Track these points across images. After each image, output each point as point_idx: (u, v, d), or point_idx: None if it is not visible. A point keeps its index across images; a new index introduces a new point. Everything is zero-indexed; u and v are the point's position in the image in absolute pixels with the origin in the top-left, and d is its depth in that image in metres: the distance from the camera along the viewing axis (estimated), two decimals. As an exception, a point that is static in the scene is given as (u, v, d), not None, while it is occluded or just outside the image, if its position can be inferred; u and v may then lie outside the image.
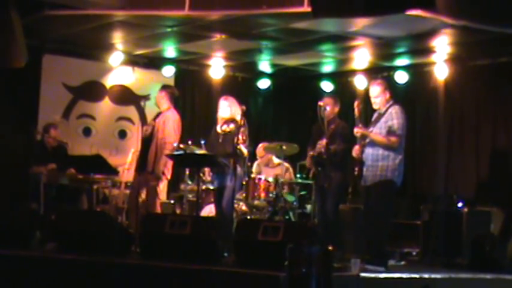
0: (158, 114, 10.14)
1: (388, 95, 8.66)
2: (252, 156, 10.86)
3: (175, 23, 10.54)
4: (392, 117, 8.47)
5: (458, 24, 9.63)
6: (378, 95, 8.65)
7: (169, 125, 9.87)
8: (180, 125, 9.96)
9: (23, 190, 11.01)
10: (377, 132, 8.51)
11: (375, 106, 8.70)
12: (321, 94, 11.99)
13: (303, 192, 11.03)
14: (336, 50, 11.85)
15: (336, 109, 9.52)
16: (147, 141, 9.91)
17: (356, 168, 8.57)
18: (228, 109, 9.59)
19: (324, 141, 9.12)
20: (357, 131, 8.58)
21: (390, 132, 8.41)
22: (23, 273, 7.81)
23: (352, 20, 9.97)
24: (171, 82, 12.80)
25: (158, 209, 10.20)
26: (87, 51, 12.31)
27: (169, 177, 10.02)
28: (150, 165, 9.81)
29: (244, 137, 9.29)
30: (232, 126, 9.42)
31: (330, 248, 3.54)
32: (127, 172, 10.93)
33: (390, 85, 9.16)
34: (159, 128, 9.88)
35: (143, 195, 10.07)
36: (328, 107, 9.34)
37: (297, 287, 3.60)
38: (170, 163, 9.90)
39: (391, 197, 8.57)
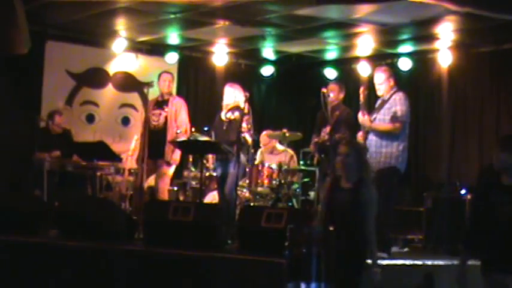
0: (159, 102, 10.23)
1: (392, 82, 8.65)
2: (256, 144, 10.86)
3: (179, 9, 10.51)
4: (396, 103, 8.46)
5: (462, 11, 9.60)
6: (382, 81, 8.64)
7: (183, 114, 10.19)
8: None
9: (26, 177, 11.02)
10: (380, 118, 8.50)
11: (378, 93, 8.69)
12: (324, 81, 11.98)
13: (306, 179, 11.03)
14: (339, 37, 11.82)
15: (341, 95, 9.52)
16: (159, 130, 10.04)
17: (359, 155, 8.56)
18: (232, 96, 9.61)
19: (328, 129, 9.12)
20: (360, 117, 8.58)
21: (394, 118, 8.41)
22: (26, 259, 7.83)
23: (355, 7, 9.94)
24: (175, 69, 12.79)
25: (166, 196, 10.31)
26: (91, 37, 12.29)
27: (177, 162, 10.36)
28: (169, 154, 9.97)
29: (248, 126, 9.31)
30: (236, 114, 9.43)
31: (331, 228, 3.55)
32: (130, 159, 10.94)
33: (394, 72, 9.15)
34: (171, 117, 10.04)
35: (149, 182, 10.20)
36: (333, 94, 9.35)
37: (297, 267, 3.61)
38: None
39: (394, 184, 8.57)
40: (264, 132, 11.50)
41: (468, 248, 5.90)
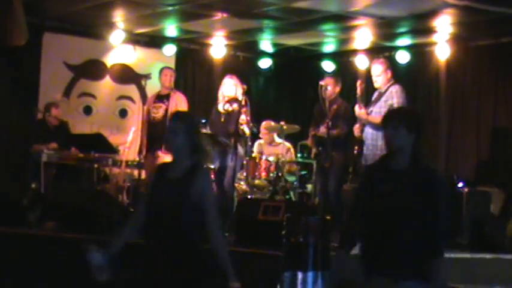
0: (161, 95, 10.40)
1: (389, 74, 8.68)
2: (255, 136, 10.86)
3: (177, 1, 10.50)
4: (393, 96, 8.50)
5: (460, 4, 9.60)
6: (379, 73, 8.66)
7: (183, 108, 10.20)
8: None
9: (23, 169, 11.02)
10: (377, 111, 8.52)
11: (376, 85, 8.71)
12: (322, 74, 11.97)
13: (303, 172, 11.03)
14: (337, 30, 11.80)
15: (338, 89, 9.52)
16: (158, 123, 10.12)
17: (356, 147, 8.60)
18: (233, 88, 9.66)
19: (326, 125, 9.13)
20: (357, 110, 8.60)
21: (390, 111, 8.44)
22: (22, 251, 7.83)
23: (353, -1, 9.94)
24: (172, 61, 12.78)
25: None
26: (88, 29, 12.27)
27: None
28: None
29: (247, 118, 9.34)
30: (235, 106, 9.44)
31: (328, 217, 3.54)
32: (127, 151, 10.96)
33: (392, 65, 9.16)
34: (171, 110, 10.18)
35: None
36: (330, 87, 9.34)
37: (294, 255, 3.62)
38: None
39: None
40: (264, 123, 11.48)
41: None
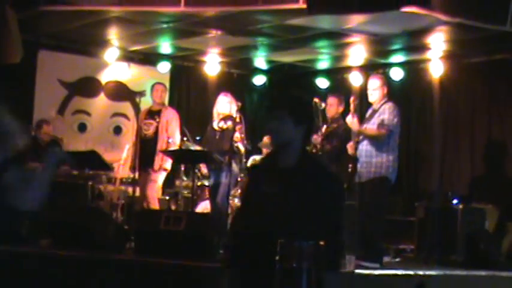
0: (152, 111, 10.42)
1: (385, 90, 8.73)
2: (251, 152, 10.86)
3: (171, 19, 10.53)
4: (385, 112, 8.53)
5: (453, 22, 9.63)
6: (376, 87, 8.71)
7: (174, 125, 10.34)
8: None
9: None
10: (371, 128, 8.56)
11: (371, 99, 8.74)
12: (316, 91, 12.00)
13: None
14: (331, 47, 11.84)
15: (341, 109, 9.61)
16: (150, 139, 10.13)
17: (350, 165, 8.60)
18: (228, 105, 9.69)
19: (319, 138, 9.15)
20: (349, 119, 8.64)
21: (380, 125, 8.47)
22: (16, 269, 7.80)
23: (347, 17, 9.96)
24: (167, 78, 12.80)
25: (157, 205, 10.36)
26: (83, 47, 12.29)
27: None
28: (158, 163, 10.18)
29: (242, 135, 9.36)
30: (229, 123, 9.46)
31: (321, 243, 3.50)
32: (122, 168, 10.96)
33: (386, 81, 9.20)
34: (162, 127, 10.17)
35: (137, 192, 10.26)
36: (332, 107, 9.46)
37: (288, 281, 3.58)
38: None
39: (385, 194, 8.60)
40: (265, 138, 11.44)
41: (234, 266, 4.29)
